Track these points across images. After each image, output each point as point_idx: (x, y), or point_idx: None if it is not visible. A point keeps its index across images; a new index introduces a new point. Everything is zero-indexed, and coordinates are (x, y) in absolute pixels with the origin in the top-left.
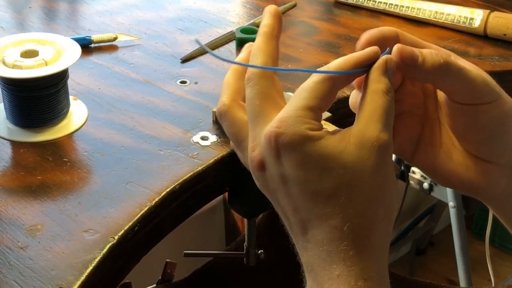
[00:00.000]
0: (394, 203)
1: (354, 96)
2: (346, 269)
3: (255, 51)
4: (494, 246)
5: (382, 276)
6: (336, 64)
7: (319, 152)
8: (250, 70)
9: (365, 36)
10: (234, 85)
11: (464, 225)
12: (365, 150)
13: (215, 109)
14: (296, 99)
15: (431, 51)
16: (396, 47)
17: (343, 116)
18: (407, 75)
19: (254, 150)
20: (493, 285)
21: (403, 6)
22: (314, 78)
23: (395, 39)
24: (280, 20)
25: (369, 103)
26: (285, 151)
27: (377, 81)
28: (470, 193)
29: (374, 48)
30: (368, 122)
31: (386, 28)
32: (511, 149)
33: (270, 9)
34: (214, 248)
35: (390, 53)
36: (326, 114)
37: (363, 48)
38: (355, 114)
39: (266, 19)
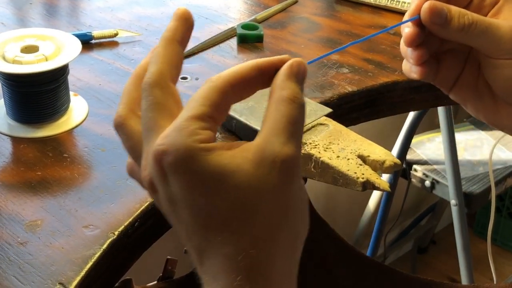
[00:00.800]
0: (300, 227)
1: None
2: None
3: (153, 58)
4: (496, 244)
5: None
6: (231, 69)
7: (209, 170)
8: (144, 80)
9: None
10: (133, 93)
11: (466, 223)
12: (264, 167)
13: None
14: (184, 110)
15: (460, 11)
16: (425, 6)
17: (345, 112)
18: (435, 34)
19: (145, 169)
20: (494, 280)
21: (405, 2)
22: (203, 86)
23: None
24: (186, 23)
25: (271, 113)
26: (170, 171)
27: (280, 88)
28: (496, 127)
29: (283, 57)
30: (270, 135)
31: None
32: None
33: (176, 11)
34: None
35: (420, 19)
36: (327, 110)
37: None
38: (357, 110)
39: (170, 22)
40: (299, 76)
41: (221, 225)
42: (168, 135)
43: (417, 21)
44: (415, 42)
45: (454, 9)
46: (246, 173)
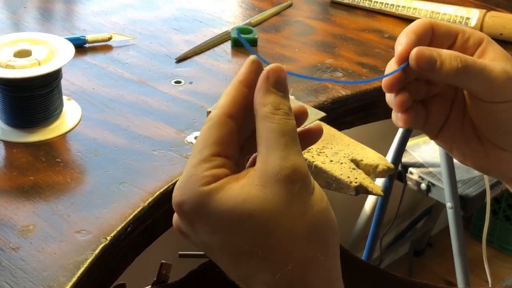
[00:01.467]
0: (325, 232)
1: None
2: None
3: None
4: (492, 247)
5: None
6: (222, 98)
7: (222, 209)
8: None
9: (403, 48)
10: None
11: (462, 226)
12: (271, 187)
13: (209, 109)
14: (191, 155)
15: (451, 54)
16: (413, 53)
17: (340, 115)
18: (426, 77)
19: (174, 217)
20: (489, 283)
21: (399, 6)
22: (205, 125)
23: (429, 32)
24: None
25: (261, 132)
26: (192, 219)
27: (262, 105)
28: (483, 172)
29: (251, 57)
30: (267, 155)
31: (418, 27)
32: None
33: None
34: None
35: (408, 65)
36: (321, 114)
37: (403, 58)
38: (352, 114)
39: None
40: (278, 84)
41: (249, 256)
42: (181, 185)
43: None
44: (396, 87)
45: (445, 53)
46: (256, 198)
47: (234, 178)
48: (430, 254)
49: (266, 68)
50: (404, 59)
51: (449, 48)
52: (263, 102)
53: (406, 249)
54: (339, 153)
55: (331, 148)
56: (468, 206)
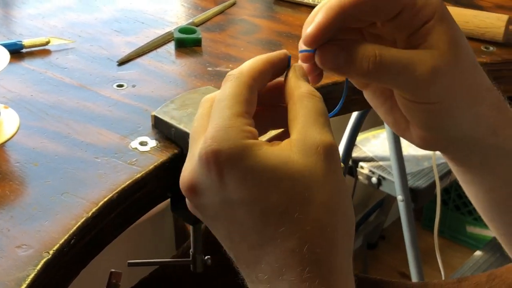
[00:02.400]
0: (351, 212)
1: None
2: None
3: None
4: (444, 237)
5: None
6: (248, 64)
7: (262, 165)
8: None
9: (311, 31)
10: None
11: (413, 218)
12: (311, 157)
13: (154, 113)
14: (219, 110)
15: (364, 52)
16: (319, 51)
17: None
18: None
19: (186, 170)
20: (443, 275)
21: None
22: (228, 83)
23: (354, 7)
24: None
25: (298, 110)
26: (227, 171)
27: (297, 87)
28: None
29: (284, 51)
30: (305, 128)
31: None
32: (459, 135)
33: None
34: (164, 252)
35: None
36: None
37: (311, 43)
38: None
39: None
40: (305, 77)
41: (281, 218)
42: (215, 136)
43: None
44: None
45: (356, 50)
46: (296, 164)
47: (269, 143)
48: (383, 247)
49: (293, 65)
50: (312, 44)
51: (393, 21)
52: (299, 85)
53: (360, 243)
54: None
55: None
56: (419, 198)
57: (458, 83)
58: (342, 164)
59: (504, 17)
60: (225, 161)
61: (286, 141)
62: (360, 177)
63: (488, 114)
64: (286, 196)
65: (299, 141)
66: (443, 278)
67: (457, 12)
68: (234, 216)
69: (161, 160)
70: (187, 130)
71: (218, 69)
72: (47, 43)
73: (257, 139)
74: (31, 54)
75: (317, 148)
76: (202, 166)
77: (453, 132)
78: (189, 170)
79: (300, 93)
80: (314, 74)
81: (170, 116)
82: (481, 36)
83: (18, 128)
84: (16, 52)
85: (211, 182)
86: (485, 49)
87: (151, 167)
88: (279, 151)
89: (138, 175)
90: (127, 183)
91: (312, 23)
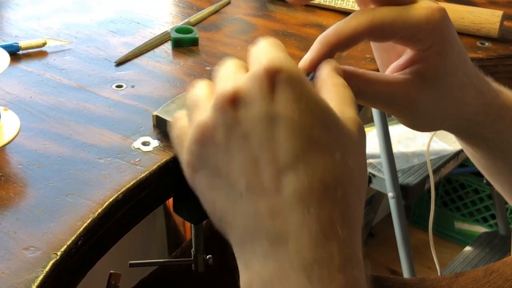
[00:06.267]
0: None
1: None
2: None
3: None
4: (432, 233)
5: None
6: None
7: (319, 99)
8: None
9: (308, 59)
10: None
11: (404, 215)
12: (348, 122)
13: (155, 113)
14: (269, 50)
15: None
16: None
17: None
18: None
19: (228, 81)
20: (438, 271)
21: (337, 0)
22: (268, 40)
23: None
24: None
25: (336, 93)
26: (283, 86)
27: (331, 77)
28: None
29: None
30: (343, 107)
31: (337, 35)
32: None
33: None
34: (156, 254)
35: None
36: None
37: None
38: None
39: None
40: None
41: (322, 150)
42: (275, 56)
43: None
44: None
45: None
46: (338, 118)
47: None
48: (372, 244)
49: (325, 61)
50: (310, 69)
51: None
52: (333, 75)
53: None
54: None
55: None
56: (409, 195)
57: (440, 106)
58: None
59: (499, 13)
60: (284, 78)
61: None
62: None
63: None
64: (332, 139)
65: (337, 112)
66: (438, 274)
67: (452, 8)
68: (272, 135)
69: (164, 159)
70: None
71: (216, 68)
72: (44, 44)
73: None
74: (28, 56)
75: (355, 121)
76: (254, 79)
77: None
78: (233, 82)
79: (335, 82)
80: None
81: (172, 116)
82: (477, 32)
83: (19, 130)
84: (13, 54)
85: (261, 93)
86: (480, 45)
87: (154, 166)
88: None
89: (142, 175)
90: (132, 183)
91: (309, 51)
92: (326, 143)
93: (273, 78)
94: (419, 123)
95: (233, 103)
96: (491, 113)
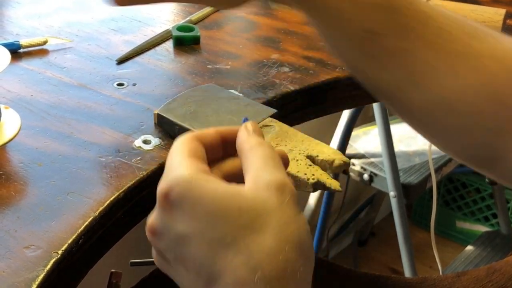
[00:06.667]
0: (309, 243)
1: None
2: None
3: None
4: (434, 232)
5: None
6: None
7: (211, 195)
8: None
9: None
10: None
11: (406, 214)
12: (261, 192)
13: (156, 111)
14: (168, 163)
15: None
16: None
17: (290, 111)
18: None
19: (149, 217)
20: (440, 271)
21: None
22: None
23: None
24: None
25: (249, 161)
26: (176, 206)
27: (247, 142)
28: None
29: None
30: (256, 173)
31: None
32: None
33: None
34: None
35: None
36: (271, 111)
37: None
38: (302, 108)
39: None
40: (256, 131)
41: (229, 248)
42: (165, 177)
43: None
44: None
45: None
46: (245, 197)
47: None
48: (373, 243)
49: (243, 124)
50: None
51: None
52: (248, 140)
53: (350, 240)
54: (294, 149)
55: (286, 145)
56: (411, 194)
57: None
58: None
59: (502, 11)
60: (175, 197)
61: (237, 185)
62: (352, 174)
63: None
64: (232, 226)
65: (250, 181)
66: (440, 273)
67: (455, 7)
68: (188, 252)
69: (165, 158)
70: (191, 127)
71: (218, 66)
72: (45, 42)
73: (208, 174)
74: (29, 54)
75: (268, 185)
76: (157, 207)
77: None
78: (151, 216)
79: (249, 145)
80: None
81: (174, 114)
82: None
83: (20, 129)
84: (14, 52)
85: (164, 220)
86: None
87: (156, 165)
88: (227, 186)
89: (144, 174)
90: (133, 181)
91: None
92: (231, 237)
93: (166, 200)
94: None
95: (154, 235)
96: None
